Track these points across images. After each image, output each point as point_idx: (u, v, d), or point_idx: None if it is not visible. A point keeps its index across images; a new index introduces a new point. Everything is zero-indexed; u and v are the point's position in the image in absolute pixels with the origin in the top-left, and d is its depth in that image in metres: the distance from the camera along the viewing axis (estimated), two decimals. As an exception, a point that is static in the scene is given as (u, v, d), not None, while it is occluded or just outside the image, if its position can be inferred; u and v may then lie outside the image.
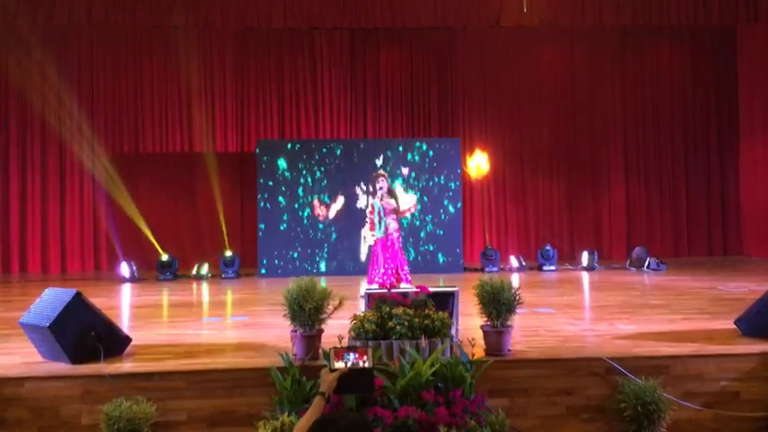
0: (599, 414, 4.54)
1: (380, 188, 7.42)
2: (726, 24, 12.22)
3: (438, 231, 11.06)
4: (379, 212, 7.37)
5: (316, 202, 10.93)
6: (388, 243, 7.34)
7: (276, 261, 10.87)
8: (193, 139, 12.58)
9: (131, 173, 12.30)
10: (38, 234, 12.10)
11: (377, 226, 7.36)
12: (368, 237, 7.56)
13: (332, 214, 10.93)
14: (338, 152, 11.09)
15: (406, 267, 7.52)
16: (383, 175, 7.58)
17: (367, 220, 7.54)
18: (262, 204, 11.00)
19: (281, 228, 10.93)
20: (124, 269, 10.44)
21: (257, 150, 11.38)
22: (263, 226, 10.97)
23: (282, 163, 11.02)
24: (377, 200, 7.41)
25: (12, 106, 12.09)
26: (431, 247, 11.03)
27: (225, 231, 12.05)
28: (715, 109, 13.25)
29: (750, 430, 4.59)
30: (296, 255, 10.89)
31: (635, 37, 12.97)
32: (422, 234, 11.00)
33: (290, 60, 12.67)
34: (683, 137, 13.24)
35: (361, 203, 10.85)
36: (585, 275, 10.47)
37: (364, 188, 10.87)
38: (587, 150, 13.14)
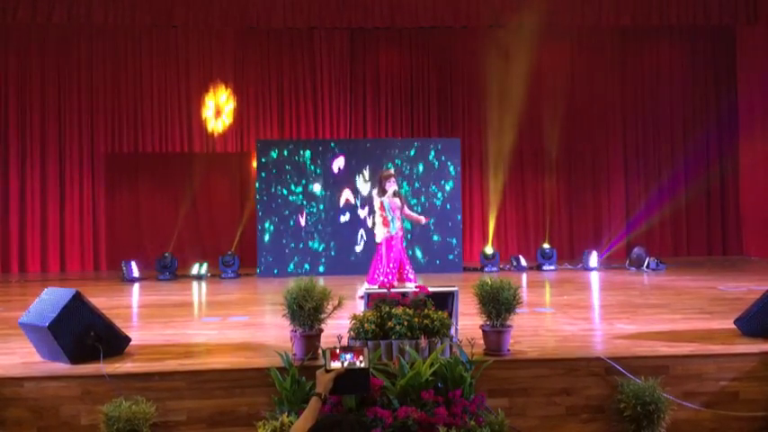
0: (598, 414, 4.54)
1: (387, 188, 7.41)
2: (725, 24, 12.21)
3: (437, 231, 11.05)
4: (390, 210, 7.37)
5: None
6: (393, 242, 7.33)
7: (275, 261, 10.87)
8: (193, 139, 12.59)
9: (131, 173, 12.34)
10: (37, 233, 12.10)
11: (390, 223, 7.36)
12: (378, 233, 7.52)
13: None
14: (337, 152, 11.10)
15: (408, 267, 7.53)
16: (393, 176, 7.56)
17: (379, 216, 7.49)
18: (261, 204, 11.00)
19: (281, 228, 10.93)
20: (124, 269, 10.42)
21: (257, 150, 11.38)
22: (261, 226, 10.97)
23: (282, 163, 11.02)
24: (386, 198, 7.40)
25: (11, 105, 12.09)
26: (431, 247, 11.03)
27: (224, 231, 12.07)
28: (715, 109, 13.25)
29: (749, 430, 4.58)
30: (295, 255, 10.90)
31: (634, 37, 12.98)
32: (421, 234, 11.01)
33: (290, 60, 12.68)
34: (682, 136, 13.25)
35: (357, 203, 10.94)
36: (585, 275, 10.47)
37: (363, 189, 10.93)
38: (587, 150, 13.16)
